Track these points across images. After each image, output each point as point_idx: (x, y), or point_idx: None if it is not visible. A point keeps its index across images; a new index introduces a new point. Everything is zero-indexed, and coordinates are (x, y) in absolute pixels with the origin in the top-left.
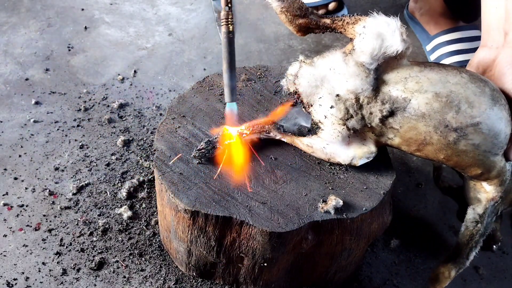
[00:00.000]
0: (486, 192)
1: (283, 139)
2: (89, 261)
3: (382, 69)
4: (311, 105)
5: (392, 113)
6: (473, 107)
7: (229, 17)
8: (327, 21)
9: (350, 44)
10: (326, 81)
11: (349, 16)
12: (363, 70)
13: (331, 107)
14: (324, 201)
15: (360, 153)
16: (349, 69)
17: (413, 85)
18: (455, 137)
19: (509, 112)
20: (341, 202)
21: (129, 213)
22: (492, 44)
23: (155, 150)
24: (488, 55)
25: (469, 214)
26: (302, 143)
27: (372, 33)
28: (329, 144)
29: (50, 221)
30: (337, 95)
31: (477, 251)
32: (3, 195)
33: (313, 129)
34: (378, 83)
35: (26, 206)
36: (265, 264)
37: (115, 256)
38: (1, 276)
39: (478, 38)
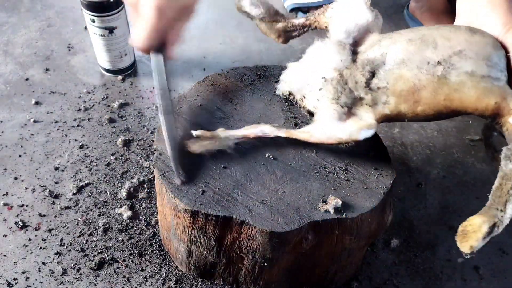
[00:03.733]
0: None
1: (279, 135)
2: (89, 261)
3: (358, 43)
4: (304, 97)
5: (374, 73)
6: (451, 39)
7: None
8: (301, 20)
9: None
10: (311, 69)
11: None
12: (342, 47)
13: (319, 90)
14: (324, 201)
15: (359, 125)
16: (329, 50)
17: (386, 42)
18: (442, 70)
19: (493, 37)
20: (340, 202)
21: (129, 213)
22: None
23: (155, 150)
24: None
25: (502, 153)
26: (300, 131)
27: (340, 11)
28: (327, 124)
29: (50, 221)
30: (323, 77)
31: None
32: (3, 195)
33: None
34: (356, 56)
35: (26, 206)
36: (265, 264)
37: (115, 256)
38: (1, 276)
39: None
